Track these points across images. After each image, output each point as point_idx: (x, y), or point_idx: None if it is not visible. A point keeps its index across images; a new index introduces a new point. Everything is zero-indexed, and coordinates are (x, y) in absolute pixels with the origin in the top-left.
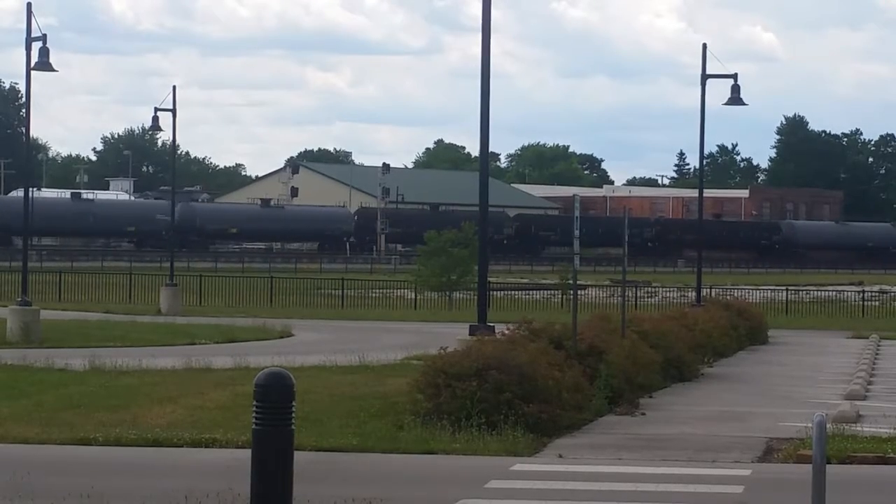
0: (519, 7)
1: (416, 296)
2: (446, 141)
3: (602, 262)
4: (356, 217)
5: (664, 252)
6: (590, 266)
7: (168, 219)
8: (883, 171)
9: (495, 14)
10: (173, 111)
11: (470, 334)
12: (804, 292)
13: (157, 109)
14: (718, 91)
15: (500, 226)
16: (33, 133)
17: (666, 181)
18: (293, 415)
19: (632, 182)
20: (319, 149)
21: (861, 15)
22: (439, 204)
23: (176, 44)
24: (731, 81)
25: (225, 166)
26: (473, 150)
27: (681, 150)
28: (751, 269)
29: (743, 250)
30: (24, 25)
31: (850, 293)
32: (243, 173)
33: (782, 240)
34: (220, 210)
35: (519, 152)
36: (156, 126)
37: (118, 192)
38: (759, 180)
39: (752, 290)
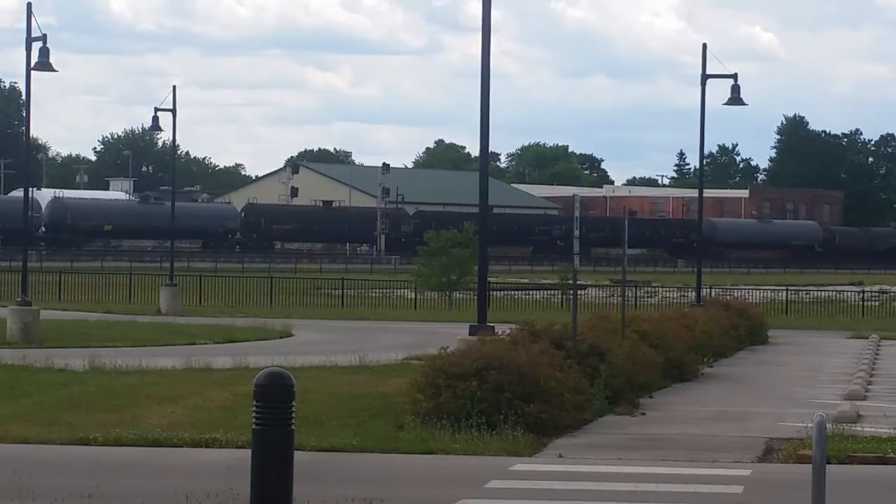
0: (518, 7)
1: (416, 296)
2: (446, 141)
3: (602, 262)
4: (243, 214)
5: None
6: (589, 266)
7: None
8: (883, 171)
9: (494, 14)
10: (173, 111)
11: (470, 334)
12: (804, 292)
13: (157, 109)
14: (718, 91)
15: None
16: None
17: (666, 181)
18: (293, 415)
19: (632, 182)
20: (319, 149)
21: (861, 15)
22: (332, 201)
23: (175, 44)
24: (731, 81)
25: (225, 166)
26: (473, 150)
27: (681, 150)
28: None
29: (657, 248)
30: (22, 25)
31: (850, 293)
32: (243, 173)
33: (701, 238)
34: (93, 206)
35: (519, 152)
36: (156, 126)
37: None
38: (760, 180)
39: (753, 290)
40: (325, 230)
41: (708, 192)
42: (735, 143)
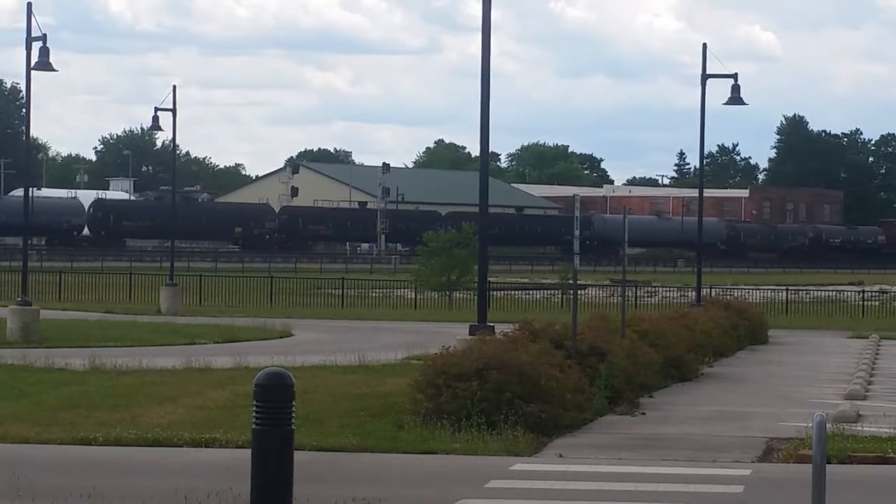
0: (517, 6)
1: (416, 295)
2: (446, 141)
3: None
4: (91, 209)
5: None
6: (589, 266)
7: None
8: (883, 171)
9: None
10: (173, 111)
11: (470, 334)
12: (804, 292)
13: (157, 109)
14: (718, 91)
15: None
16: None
17: (666, 181)
18: (293, 414)
19: (632, 182)
20: (319, 148)
21: (860, 15)
22: (191, 198)
23: (174, 43)
24: (731, 81)
25: (225, 166)
26: (474, 149)
27: (681, 150)
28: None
29: (543, 245)
30: (20, 25)
31: (850, 293)
32: (243, 173)
33: (594, 235)
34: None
35: (519, 152)
36: (156, 126)
37: None
38: (760, 180)
39: (752, 289)
40: (185, 227)
41: (708, 192)
42: (735, 142)
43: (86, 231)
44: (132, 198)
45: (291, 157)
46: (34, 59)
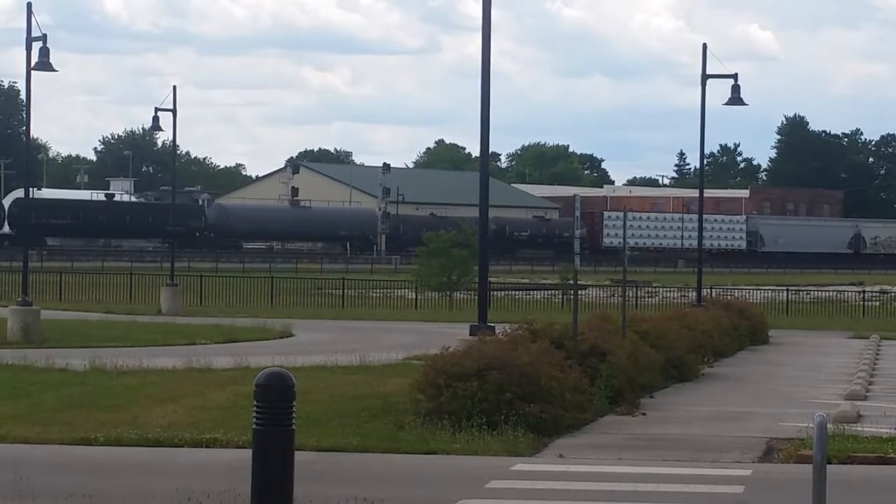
0: (514, 7)
1: (416, 296)
2: (447, 141)
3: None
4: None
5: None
6: (590, 266)
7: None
8: (883, 172)
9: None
10: (173, 111)
11: (471, 334)
12: (804, 292)
13: (157, 109)
14: (718, 90)
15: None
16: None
17: (666, 181)
18: (294, 415)
19: (632, 182)
20: (319, 149)
21: (858, 14)
22: (113, 194)
23: (171, 43)
24: (731, 81)
25: (225, 166)
26: (474, 150)
27: (681, 150)
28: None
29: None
30: (16, 25)
31: (850, 293)
32: (244, 173)
33: (213, 225)
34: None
35: (519, 152)
36: (156, 126)
37: None
38: (760, 180)
39: (753, 290)
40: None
41: (708, 192)
42: (737, 142)
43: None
44: (132, 198)
45: (291, 158)
46: (34, 59)
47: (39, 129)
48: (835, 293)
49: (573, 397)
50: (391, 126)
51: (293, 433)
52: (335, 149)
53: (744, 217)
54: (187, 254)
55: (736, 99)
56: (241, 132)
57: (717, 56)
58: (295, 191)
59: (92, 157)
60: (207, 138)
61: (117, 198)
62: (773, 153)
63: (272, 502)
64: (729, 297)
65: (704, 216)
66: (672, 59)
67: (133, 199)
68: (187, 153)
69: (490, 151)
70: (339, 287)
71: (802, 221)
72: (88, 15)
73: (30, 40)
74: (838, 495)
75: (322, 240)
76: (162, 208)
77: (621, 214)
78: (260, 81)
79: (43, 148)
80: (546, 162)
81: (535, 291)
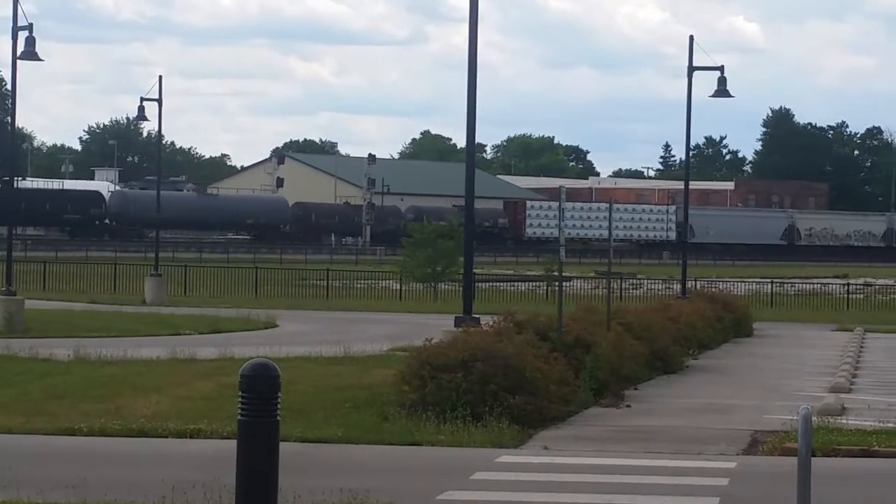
0: None
1: (401, 287)
2: (432, 132)
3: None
4: None
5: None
6: (574, 258)
7: None
8: (869, 164)
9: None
10: (159, 101)
11: (455, 326)
12: (789, 285)
13: (142, 99)
14: (704, 82)
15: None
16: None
17: (651, 173)
18: (279, 406)
19: (617, 174)
20: (305, 139)
21: (844, 7)
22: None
23: (157, 33)
24: (717, 73)
25: (210, 156)
26: (459, 140)
27: (666, 142)
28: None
29: (52, 226)
30: (1, 14)
31: (834, 286)
32: (229, 163)
33: (114, 213)
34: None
35: (505, 143)
36: (142, 116)
37: None
38: (745, 173)
39: (737, 282)
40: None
41: (694, 185)
42: (723, 135)
43: None
44: (117, 188)
45: (277, 148)
46: (20, 48)
47: (24, 118)
48: (819, 286)
49: (558, 389)
50: (377, 117)
51: (278, 424)
52: (321, 139)
53: (673, 208)
54: (82, 242)
55: (722, 91)
56: (227, 122)
57: (703, 48)
58: (280, 181)
59: (77, 146)
60: (193, 128)
61: (95, 187)
62: (758, 145)
63: (257, 492)
64: (713, 290)
65: (632, 206)
66: (658, 51)
67: (41, 185)
68: (172, 143)
69: (476, 142)
70: (324, 278)
71: (734, 212)
72: (74, 4)
73: (16, 30)
74: (823, 488)
75: (228, 228)
76: (60, 195)
77: (544, 204)
78: (246, 71)
79: (28, 137)
80: (532, 153)
81: (519, 283)
